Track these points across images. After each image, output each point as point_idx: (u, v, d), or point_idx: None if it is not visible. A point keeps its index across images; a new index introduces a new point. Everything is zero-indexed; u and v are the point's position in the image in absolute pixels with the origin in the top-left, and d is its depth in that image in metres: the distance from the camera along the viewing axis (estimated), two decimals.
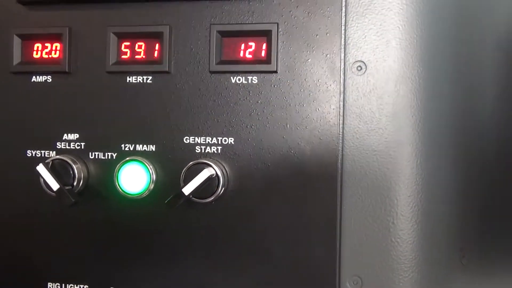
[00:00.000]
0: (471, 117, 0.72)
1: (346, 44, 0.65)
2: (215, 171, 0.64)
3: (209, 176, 0.64)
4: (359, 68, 0.65)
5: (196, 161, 0.66)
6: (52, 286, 0.71)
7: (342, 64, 0.65)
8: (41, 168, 0.66)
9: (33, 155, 0.71)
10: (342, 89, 0.65)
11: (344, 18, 0.65)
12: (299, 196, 0.65)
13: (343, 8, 0.65)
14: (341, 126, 0.65)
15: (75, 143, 0.70)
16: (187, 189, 0.63)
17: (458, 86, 0.69)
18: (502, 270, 0.76)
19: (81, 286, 0.70)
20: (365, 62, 0.65)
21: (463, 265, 0.69)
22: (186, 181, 0.64)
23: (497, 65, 0.75)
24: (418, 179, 0.64)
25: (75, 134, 0.70)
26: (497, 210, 0.75)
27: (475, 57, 0.73)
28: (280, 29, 0.65)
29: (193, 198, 0.65)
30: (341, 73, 0.65)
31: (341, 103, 0.65)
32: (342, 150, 0.65)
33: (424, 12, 0.64)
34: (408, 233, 0.64)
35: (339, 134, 0.65)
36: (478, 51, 0.73)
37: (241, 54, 0.67)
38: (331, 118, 0.65)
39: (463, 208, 0.70)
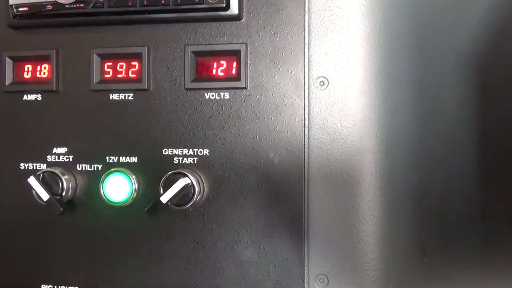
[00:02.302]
0: (431, 125, 0.77)
1: (310, 61, 0.70)
2: (191, 180, 0.70)
3: (184, 185, 0.69)
4: (321, 83, 0.70)
5: (174, 171, 0.71)
6: None
7: (306, 79, 0.70)
8: (32, 180, 0.72)
9: (26, 167, 0.77)
10: (306, 102, 0.70)
11: (307, 37, 0.70)
12: (269, 202, 0.71)
13: (306, 28, 0.70)
14: (306, 136, 0.70)
15: (64, 156, 0.76)
16: (165, 198, 0.69)
17: (417, 97, 0.74)
18: (463, 269, 0.81)
19: (72, 287, 0.76)
20: (327, 77, 0.70)
21: (424, 263, 0.75)
22: (165, 190, 0.70)
23: (458, 76, 0.80)
24: (378, 185, 0.70)
25: (64, 148, 0.76)
26: (458, 211, 0.80)
27: (436, 69, 0.78)
28: (248, 49, 0.71)
29: (171, 205, 0.71)
30: (305, 88, 0.70)
31: (306, 116, 0.70)
32: (308, 159, 0.70)
33: (380, 30, 0.70)
34: (369, 234, 0.69)
35: (304, 144, 0.70)
36: (438, 64, 0.78)
37: (214, 72, 0.72)
38: (297, 130, 0.70)
39: (424, 210, 0.75)
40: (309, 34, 0.70)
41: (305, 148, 0.70)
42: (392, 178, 0.70)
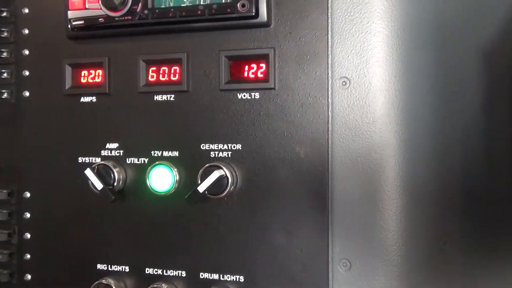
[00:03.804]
0: (452, 121, 0.80)
1: (333, 62, 0.76)
2: (225, 172, 0.78)
3: (219, 176, 0.77)
4: (344, 83, 0.76)
5: (210, 164, 0.79)
6: (100, 267, 0.87)
7: (330, 80, 0.76)
8: (88, 172, 0.82)
9: (83, 161, 0.87)
10: (330, 101, 0.76)
11: (330, 41, 0.76)
12: (295, 192, 0.77)
13: (329, 32, 0.76)
14: (329, 133, 0.76)
15: (115, 150, 0.85)
16: (202, 187, 0.77)
17: (437, 95, 0.78)
18: (484, 256, 0.85)
19: (123, 267, 0.86)
20: (348, 78, 0.76)
21: (443, 251, 0.79)
22: (202, 180, 0.78)
23: (478, 75, 0.83)
24: (397, 177, 0.75)
25: (115, 144, 0.85)
26: (479, 202, 0.83)
27: (457, 68, 0.81)
28: (276, 53, 0.78)
29: (208, 194, 0.79)
30: (329, 87, 0.76)
31: (329, 113, 0.76)
32: (331, 153, 0.76)
33: (399, 33, 0.74)
34: (388, 223, 0.75)
35: (328, 139, 0.76)
36: (460, 63, 0.81)
37: (245, 74, 0.79)
38: (321, 126, 0.76)
39: (444, 201, 0.79)
40: (331, 38, 0.76)
41: (329, 143, 0.76)
42: (411, 171, 0.75)
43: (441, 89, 0.79)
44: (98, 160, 0.86)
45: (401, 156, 0.75)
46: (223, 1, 0.77)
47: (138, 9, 0.80)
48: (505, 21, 0.86)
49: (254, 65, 0.79)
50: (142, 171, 0.83)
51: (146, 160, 0.84)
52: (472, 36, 0.83)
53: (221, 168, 0.78)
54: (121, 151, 0.85)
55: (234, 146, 0.80)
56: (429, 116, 0.78)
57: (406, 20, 0.75)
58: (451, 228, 0.80)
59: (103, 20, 0.82)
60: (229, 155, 0.80)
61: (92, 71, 0.86)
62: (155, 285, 0.82)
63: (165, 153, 0.83)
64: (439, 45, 0.79)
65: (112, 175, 0.83)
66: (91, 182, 0.82)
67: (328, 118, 0.76)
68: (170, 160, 0.82)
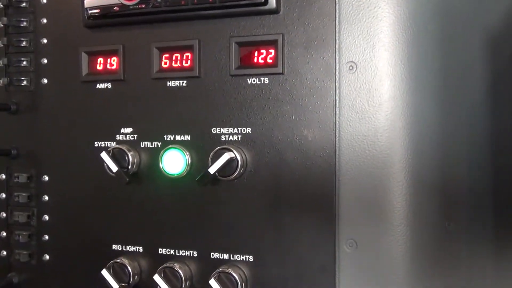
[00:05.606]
0: (457, 104, 0.82)
1: (340, 48, 0.78)
2: (235, 154, 0.80)
3: (229, 158, 0.79)
4: (350, 68, 0.78)
5: (221, 147, 0.82)
6: (115, 247, 0.90)
7: (337, 64, 0.78)
8: (104, 155, 0.85)
9: (99, 145, 0.90)
10: (337, 85, 0.78)
11: (337, 27, 0.78)
12: (303, 173, 0.79)
13: (336, 18, 0.78)
14: (337, 116, 0.78)
15: (130, 135, 0.88)
16: (212, 169, 0.80)
17: (442, 78, 0.80)
18: (489, 238, 0.86)
19: (137, 247, 0.89)
20: (355, 62, 0.77)
21: (448, 231, 0.80)
22: (213, 163, 0.81)
23: (483, 60, 0.84)
24: (402, 159, 0.76)
25: (130, 128, 0.89)
26: (484, 185, 0.85)
27: (461, 53, 0.82)
28: (285, 38, 0.80)
29: (218, 176, 0.81)
30: (336, 72, 0.78)
31: (337, 97, 0.78)
32: (338, 136, 0.78)
33: (404, 18, 0.76)
34: (393, 204, 0.76)
35: (335, 122, 0.78)
36: (463, 48, 0.83)
37: (255, 60, 0.82)
38: (328, 110, 0.78)
39: (449, 183, 0.81)
40: (339, 24, 0.78)
41: (336, 126, 0.78)
42: (416, 153, 0.77)
43: (447, 73, 0.80)
44: (114, 144, 0.89)
45: (406, 138, 0.76)
46: None
47: None
48: (510, 7, 0.87)
49: (263, 51, 0.81)
50: (155, 154, 0.86)
51: (159, 144, 0.87)
52: (477, 22, 0.84)
53: (231, 150, 0.80)
54: (135, 136, 0.88)
55: (244, 130, 0.82)
56: (434, 99, 0.79)
57: (412, 5, 0.77)
58: (456, 208, 0.82)
59: (118, 8, 0.85)
60: (239, 139, 0.83)
61: (108, 59, 0.89)
62: (167, 265, 0.85)
63: (178, 137, 0.86)
64: (445, 30, 0.80)
65: (126, 158, 0.86)
66: (107, 165, 0.85)
67: (335, 102, 0.78)
68: (182, 143, 0.85)
